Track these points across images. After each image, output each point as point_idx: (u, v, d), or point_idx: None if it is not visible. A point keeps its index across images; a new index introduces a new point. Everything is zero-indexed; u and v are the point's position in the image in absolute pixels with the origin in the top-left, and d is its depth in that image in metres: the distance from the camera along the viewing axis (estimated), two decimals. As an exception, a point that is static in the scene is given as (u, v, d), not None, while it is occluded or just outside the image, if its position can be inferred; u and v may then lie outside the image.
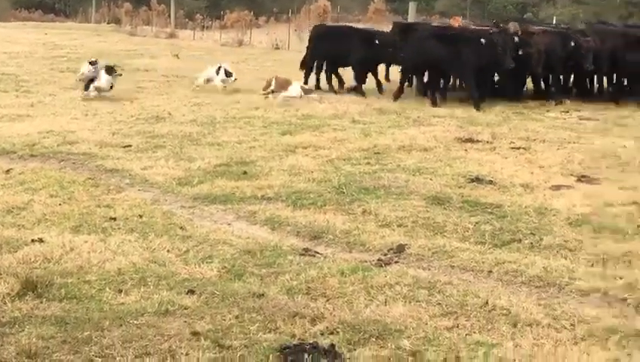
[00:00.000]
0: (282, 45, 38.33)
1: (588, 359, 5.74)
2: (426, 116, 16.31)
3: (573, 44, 18.57)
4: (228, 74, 19.62)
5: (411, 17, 30.50)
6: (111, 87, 17.71)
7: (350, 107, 17.17)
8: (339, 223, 8.88)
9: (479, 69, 17.87)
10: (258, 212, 9.30)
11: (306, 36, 24.77)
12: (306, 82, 20.27)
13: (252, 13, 52.07)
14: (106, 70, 17.82)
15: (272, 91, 18.64)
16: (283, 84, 18.65)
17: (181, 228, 8.62)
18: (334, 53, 20.57)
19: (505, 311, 6.55)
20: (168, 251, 7.82)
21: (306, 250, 8.01)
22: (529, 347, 5.92)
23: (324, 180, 10.67)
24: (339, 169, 11.35)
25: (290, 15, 46.88)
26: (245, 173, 11.09)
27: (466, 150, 12.77)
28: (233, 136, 13.70)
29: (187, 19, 55.41)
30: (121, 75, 18.34)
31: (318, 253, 7.95)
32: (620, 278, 7.28)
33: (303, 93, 18.32)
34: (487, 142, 13.40)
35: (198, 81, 20.16)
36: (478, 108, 17.20)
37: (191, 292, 6.77)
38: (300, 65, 21.75)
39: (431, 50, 17.97)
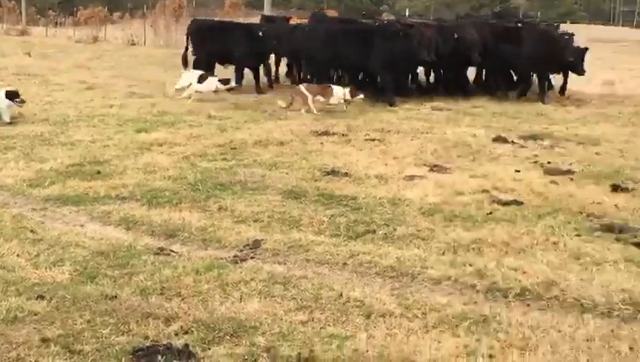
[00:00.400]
0: (138, 41, 37.76)
1: (438, 346, 5.83)
2: (282, 110, 16.28)
3: (456, 36, 18.85)
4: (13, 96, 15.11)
5: (267, 11, 30.70)
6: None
7: (206, 103, 17.01)
8: (194, 221, 8.79)
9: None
10: (112, 212, 9.11)
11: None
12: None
13: (106, 9, 51.10)
14: (6, 95, 14.90)
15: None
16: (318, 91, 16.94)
17: (32, 231, 8.35)
18: (216, 49, 20.36)
19: (359, 302, 6.60)
20: (18, 255, 7.57)
21: (161, 249, 7.89)
22: (382, 337, 5.97)
23: (180, 177, 10.54)
24: (195, 165, 11.24)
25: (145, 11, 46.40)
26: (99, 172, 10.85)
27: (322, 143, 12.82)
28: (87, 135, 13.38)
29: (39, 16, 54.08)
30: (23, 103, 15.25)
31: (173, 251, 7.84)
32: (470, 265, 7.44)
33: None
34: (343, 134, 13.49)
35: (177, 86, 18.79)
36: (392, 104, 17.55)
37: (41, 297, 6.57)
38: (182, 62, 21.33)
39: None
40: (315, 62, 19.82)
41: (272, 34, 19.96)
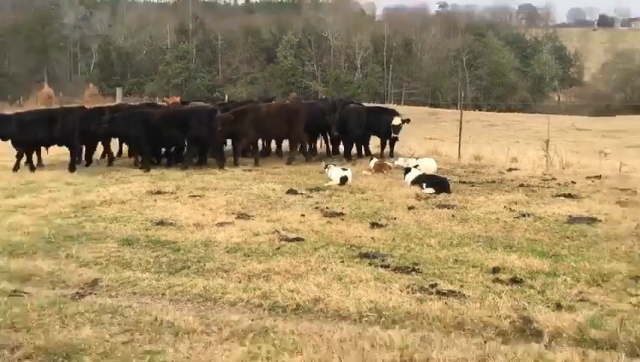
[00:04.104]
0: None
1: (229, 353, 5.86)
2: (126, 175, 15.96)
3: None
4: None
5: (119, 99, 30.25)
6: None
7: (66, 173, 16.46)
8: (45, 266, 8.48)
9: None
10: (-25, 263, 8.67)
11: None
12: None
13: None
14: None
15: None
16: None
17: None
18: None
19: (170, 324, 6.56)
20: None
21: (15, 291, 7.55)
22: (186, 350, 5.94)
23: (37, 233, 10.14)
24: (50, 222, 10.84)
25: (21, 100, 44.67)
26: (-33, 231, 10.31)
27: (155, 200, 12.60)
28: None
29: None
30: None
31: (25, 292, 7.52)
32: (259, 289, 7.50)
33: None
34: (172, 192, 13.34)
35: None
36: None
37: None
38: None
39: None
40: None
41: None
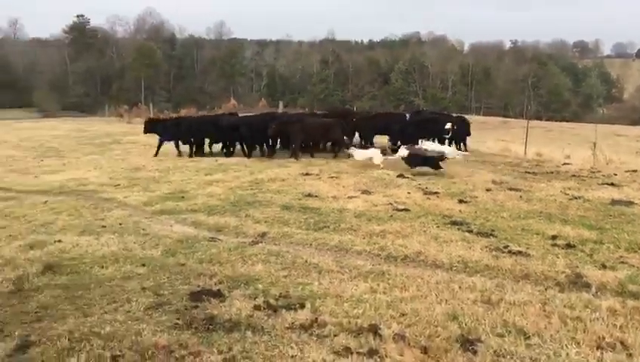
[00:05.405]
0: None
1: (357, 288, 5.86)
2: (284, 162, 15.98)
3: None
4: None
5: (281, 109, 30.78)
6: None
7: (244, 158, 16.90)
8: (231, 222, 8.78)
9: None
10: (188, 218, 9.10)
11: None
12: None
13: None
14: None
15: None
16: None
17: (143, 229, 8.35)
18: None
19: (315, 265, 6.63)
20: (134, 243, 7.58)
21: (212, 238, 7.88)
22: (326, 284, 6.00)
23: (226, 199, 10.50)
24: (235, 192, 11.19)
25: (215, 109, 44.56)
26: (183, 197, 10.82)
27: (304, 179, 12.73)
28: (178, 177, 13.34)
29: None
30: None
31: (218, 239, 7.84)
32: (378, 244, 7.47)
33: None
34: (316, 174, 13.42)
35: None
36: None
37: (143, 265, 6.59)
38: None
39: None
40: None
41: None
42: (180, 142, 18.05)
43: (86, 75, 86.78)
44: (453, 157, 14.99)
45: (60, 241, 7.59)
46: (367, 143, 18.83)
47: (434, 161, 13.62)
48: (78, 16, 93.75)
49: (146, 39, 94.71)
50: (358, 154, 15.08)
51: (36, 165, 16.56)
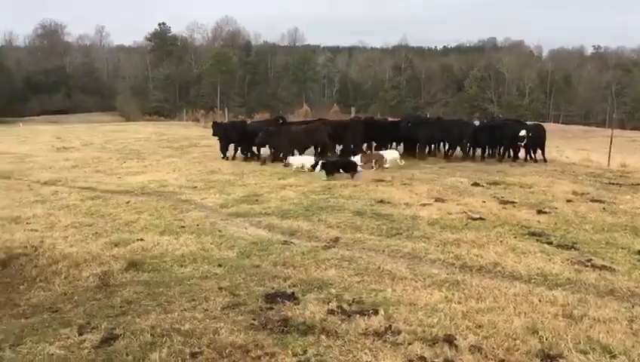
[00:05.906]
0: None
1: (431, 297, 5.79)
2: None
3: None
4: None
5: (353, 114, 30.75)
6: None
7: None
8: (304, 226, 8.89)
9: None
10: (262, 221, 9.28)
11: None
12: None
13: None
14: None
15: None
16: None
17: (219, 231, 8.60)
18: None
19: (388, 271, 6.60)
20: (211, 243, 7.83)
21: (285, 241, 8.00)
22: (400, 291, 5.96)
23: (299, 203, 10.64)
24: (307, 197, 11.31)
25: (288, 115, 44.59)
26: (257, 200, 11.04)
27: (377, 185, 12.69)
28: (252, 181, 13.61)
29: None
30: None
31: (292, 242, 7.95)
32: (452, 253, 7.36)
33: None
34: (389, 181, 13.34)
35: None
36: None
37: (220, 265, 6.78)
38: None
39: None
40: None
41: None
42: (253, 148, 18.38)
43: (166, 80, 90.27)
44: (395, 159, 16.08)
45: (142, 240, 7.93)
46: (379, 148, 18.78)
47: (349, 167, 14.01)
48: (160, 24, 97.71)
49: (222, 46, 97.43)
50: (293, 160, 15.85)
51: (119, 166, 17.36)
